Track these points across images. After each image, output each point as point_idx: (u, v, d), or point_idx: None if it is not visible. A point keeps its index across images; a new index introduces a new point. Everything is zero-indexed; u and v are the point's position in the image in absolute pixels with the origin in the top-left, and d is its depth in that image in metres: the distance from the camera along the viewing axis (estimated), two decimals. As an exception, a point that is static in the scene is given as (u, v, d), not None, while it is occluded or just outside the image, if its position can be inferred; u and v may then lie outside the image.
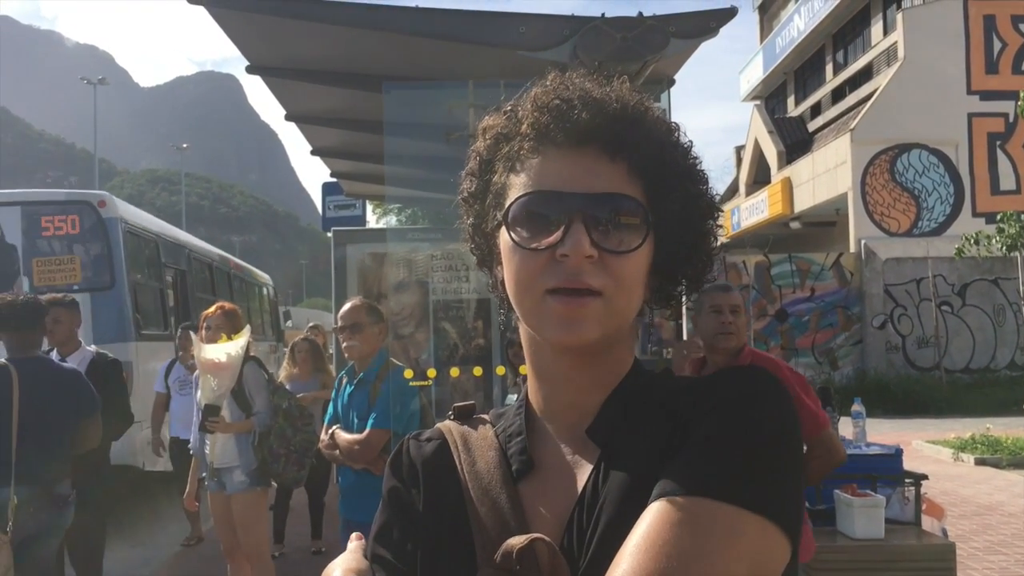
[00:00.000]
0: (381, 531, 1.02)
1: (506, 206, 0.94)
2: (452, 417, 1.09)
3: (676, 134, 0.97)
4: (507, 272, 0.95)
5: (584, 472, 0.92)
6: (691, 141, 0.99)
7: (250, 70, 5.64)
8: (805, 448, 3.49)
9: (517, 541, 0.83)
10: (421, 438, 1.07)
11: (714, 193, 1.00)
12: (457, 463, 1.00)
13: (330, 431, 4.28)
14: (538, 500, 0.93)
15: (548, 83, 0.97)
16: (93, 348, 5.64)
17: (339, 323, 4.25)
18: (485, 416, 1.08)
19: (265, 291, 17.69)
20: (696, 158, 0.99)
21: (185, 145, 70.58)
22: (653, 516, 0.79)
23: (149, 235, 10.36)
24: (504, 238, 0.94)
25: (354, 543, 1.04)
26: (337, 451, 4.19)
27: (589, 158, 0.91)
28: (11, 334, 4.33)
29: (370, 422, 4.06)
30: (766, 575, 0.79)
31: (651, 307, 1.00)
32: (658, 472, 0.83)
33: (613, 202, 0.90)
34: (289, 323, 20.20)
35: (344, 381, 4.39)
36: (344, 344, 4.22)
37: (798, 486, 0.86)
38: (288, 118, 6.81)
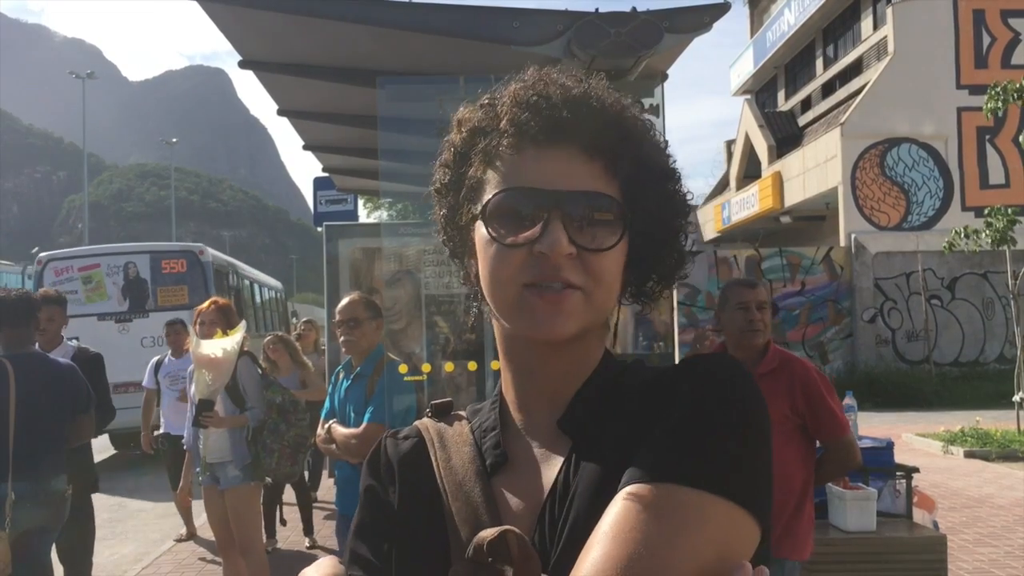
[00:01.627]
0: (358, 529, 1.03)
1: (484, 201, 0.94)
2: (430, 415, 1.09)
3: (653, 132, 0.98)
4: (482, 266, 0.95)
5: (556, 464, 0.93)
6: (667, 140, 1.00)
7: (243, 65, 5.61)
8: (824, 450, 3.51)
9: (488, 533, 0.84)
10: (399, 436, 1.07)
11: (687, 191, 1.01)
12: (433, 460, 1.00)
13: (327, 425, 4.29)
14: (512, 493, 0.94)
15: (527, 78, 0.97)
16: (74, 343, 5.62)
17: (337, 318, 4.25)
18: (462, 412, 1.08)
19: (277, 294, 22.42)
20: (671, 156, 1.00)
21: (174, 140, 69.77)
22: (621, 504, 0.79)
23: (224, 268, 15.36)
24: (480, 232, 0.94)
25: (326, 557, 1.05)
26: (334, 445, 4.20)
27: (567, 155, 0.91)
28: (5, 330, 4.32)
29: (367, 416, 4.07)
30: (734, 559, 0.79)
31: (620, 302, 1.00)
32: (628, 462, 0.83)
33: (590, 200, 0.90)
34: (294, 320, 21.37)
35: (341, 376, 4.40)
36: (342, 339, 4.22)
37: (766, 469, 0.85)
38: (281, 113, 6.78)
